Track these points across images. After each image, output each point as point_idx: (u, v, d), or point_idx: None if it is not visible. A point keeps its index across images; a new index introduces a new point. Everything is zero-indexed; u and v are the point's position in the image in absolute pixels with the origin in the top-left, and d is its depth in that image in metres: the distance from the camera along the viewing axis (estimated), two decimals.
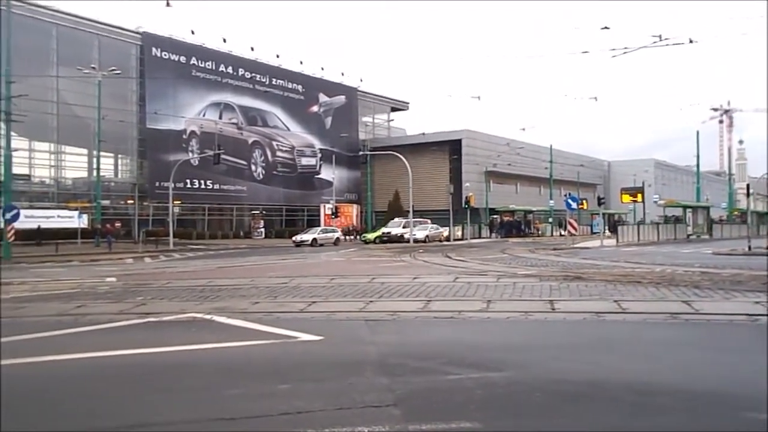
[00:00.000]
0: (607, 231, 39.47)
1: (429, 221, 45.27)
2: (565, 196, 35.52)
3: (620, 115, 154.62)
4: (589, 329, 7.10)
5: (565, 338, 6.65)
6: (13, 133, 27.96)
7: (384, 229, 42.41)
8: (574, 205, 32.72)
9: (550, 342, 6.41)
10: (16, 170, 32.38)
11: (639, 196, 46.93)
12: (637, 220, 52.50)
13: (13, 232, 25.15)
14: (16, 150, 31.43)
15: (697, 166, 56.94)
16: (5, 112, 25.62)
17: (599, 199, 40.48)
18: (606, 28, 18.80)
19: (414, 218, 44.17)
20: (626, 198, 48.67)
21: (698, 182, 57.05)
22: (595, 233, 47.04)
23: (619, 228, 35.45)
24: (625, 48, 18.87)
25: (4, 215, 24.45)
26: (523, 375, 4.89)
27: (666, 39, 18.31)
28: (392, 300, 9.58)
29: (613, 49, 18.90)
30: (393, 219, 46.14)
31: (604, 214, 43.73)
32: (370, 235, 43.99)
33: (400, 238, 39.76)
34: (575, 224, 34.80)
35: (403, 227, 41.24)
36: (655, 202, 56.42)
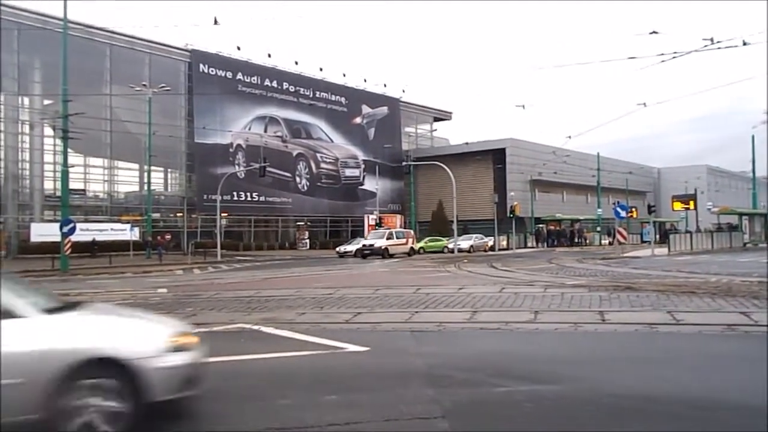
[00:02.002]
0: (657, 240, 38.37)
1: (411, 231, 41.53)
2: (614, 204, 34.72)
3: (670, 121, 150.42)
4: (642, 341, 6.91)
5: (617, 350, 6.48)
6: (69, 150, 29.05)
7: (364, 241, 37.26)
8: (623, 214, 31.95)
9: (602, 354, 6.27)
10: (72, 185, 33.66)
11: (691, 203, 45.49)
12: (689, 228, 50.91)
13: (69, 245, 26.09)
14: (72, 166, 32.63)
15: (753, 171, 54.84)
16: (63, 129, 26.68)
17: (649, 207, 39.46)
18: (654, 32, 18.29)
19: (397, 228, 41.30)
20: (678, 206, 47.25)
21: (754, 188, 54.89)
22: (645, 242, 45.79)
23: (671, 236, 34.41)
24: (675, 52, 18.33)
25: (61, 229, 25.39)
26: (574, 388, 4.78)
27: (718, 42, 17.73)
28: (438, 311, 9.53)
29: (662, 54, 18.37)
30: (377, 230, 40.72)
31: (654, 222, 42.57)
32: (415, 246, 43.90)
33: (384, 251, 34.49)
34: (624, 233, 33.95)
35: (387, 238, 36.02)
36: (709, 209, 54.56)
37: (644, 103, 28.52)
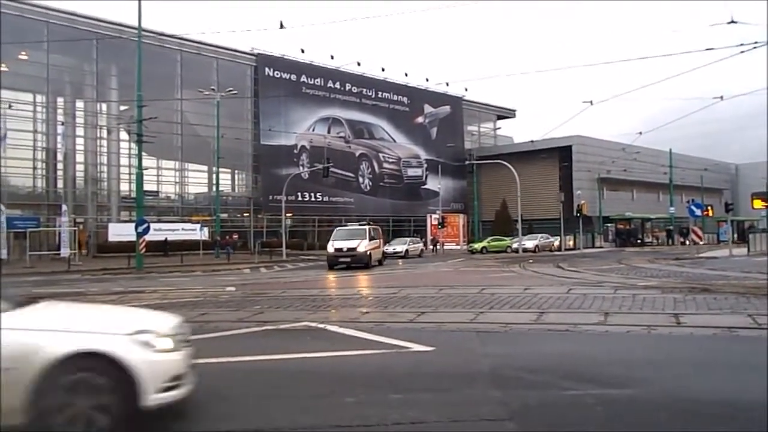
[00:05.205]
0: (735, 239, 36.56)
1: (380, 229, 30.99)
2: (688, 202, 33.32)
3: (749, 115, 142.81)
4: (721, 345, 6.58)
5: (694, 354, 6.20)
6: (143, 153, 30.28)
7: (339, 244, 25.81)
8: (698, 212, 30.64)
9: (677, 358, 6.00)
10: (146, 187, 35.06)
11: None
12: None
13: (144, 244, 27.21)
14: (146, 168, 34.03)
15: None
16: (137, 134, 27.87)
17: (727, 205, 37.59)
18: (733, 22, 17.35)
19: (369, 225, 29.28)
20: (758, 203, 44.55)
21: None
22: (722, 242, 43.69)
23: (751, 236, 32.70)
24: (755, 42, 17.39)
25: (136, 228, 26.51)
26: (647, 392, 4.60)
27: None
28: (503, 311, 9.37)
29: (741, 45, 17.44)
30: (347, 226, 30.41)
31: (732, 221, 40.54)
32: (477, 245, 43.54)
33: (369, 259, 25.70)
34: (699, 232, 32.50)
35: (371, 239, 26.79)
36: None
37: (721, 97, 27.08)
